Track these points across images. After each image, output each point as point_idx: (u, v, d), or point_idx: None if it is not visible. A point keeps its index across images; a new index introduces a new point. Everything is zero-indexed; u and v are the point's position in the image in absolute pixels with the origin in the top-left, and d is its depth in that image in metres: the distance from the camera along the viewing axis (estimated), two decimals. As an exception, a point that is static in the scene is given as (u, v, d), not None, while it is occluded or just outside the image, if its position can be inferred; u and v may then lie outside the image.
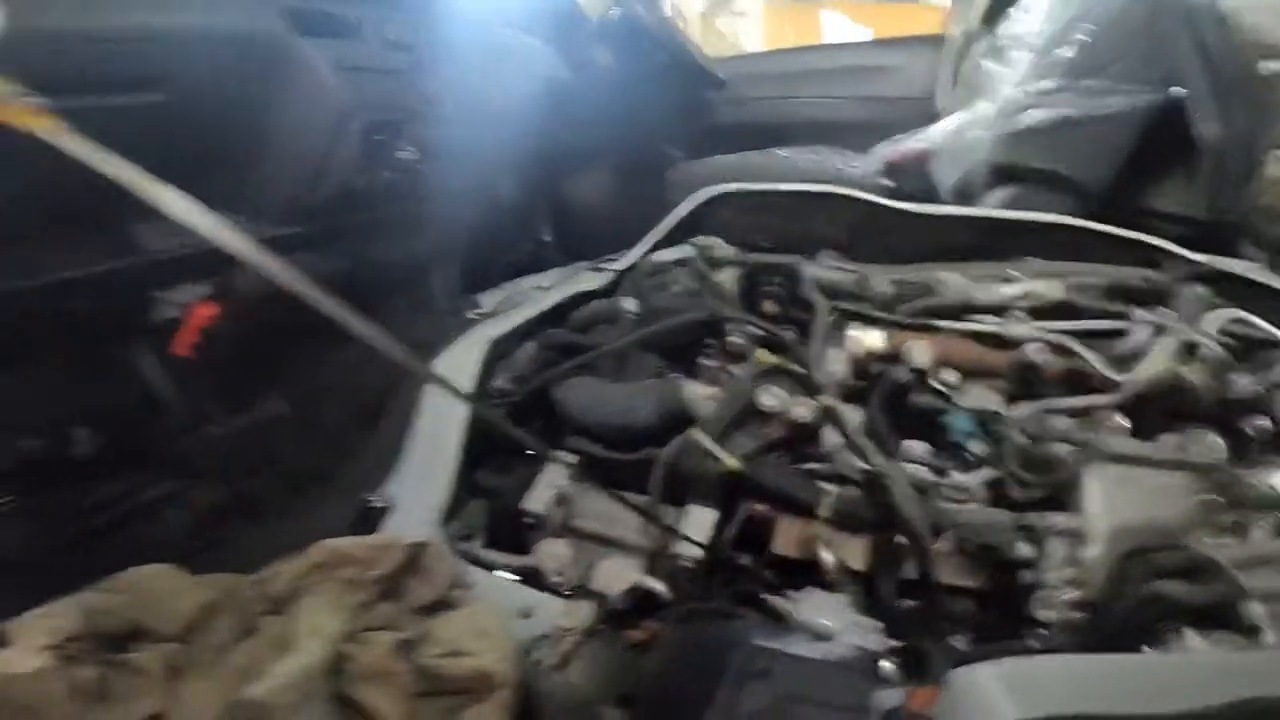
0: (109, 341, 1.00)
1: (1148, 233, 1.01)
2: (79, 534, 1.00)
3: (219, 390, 1.13)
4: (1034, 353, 0.78)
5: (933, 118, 1.79)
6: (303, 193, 1.05)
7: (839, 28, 3.41)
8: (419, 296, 1.45)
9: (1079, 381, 0.77)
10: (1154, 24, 1.28)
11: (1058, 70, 1.35)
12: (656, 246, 1.12)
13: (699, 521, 0.73)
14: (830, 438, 0.78)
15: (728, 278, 1.03)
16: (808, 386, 0.80)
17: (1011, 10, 1.50)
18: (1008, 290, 0.88)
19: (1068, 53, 1.34)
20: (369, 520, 0.71)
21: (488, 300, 1.26)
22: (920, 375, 0.80)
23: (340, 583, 0.49)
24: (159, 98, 0.82)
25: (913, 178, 1.47)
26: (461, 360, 0.86)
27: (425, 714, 0.43)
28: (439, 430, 0.78)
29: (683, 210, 1.18)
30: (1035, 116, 1.34)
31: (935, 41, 1.99)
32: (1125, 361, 0.78)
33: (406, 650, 0.45)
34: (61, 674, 0.46)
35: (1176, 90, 1.27)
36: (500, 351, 0.91)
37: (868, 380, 0.84)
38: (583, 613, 0.53)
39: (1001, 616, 0.60)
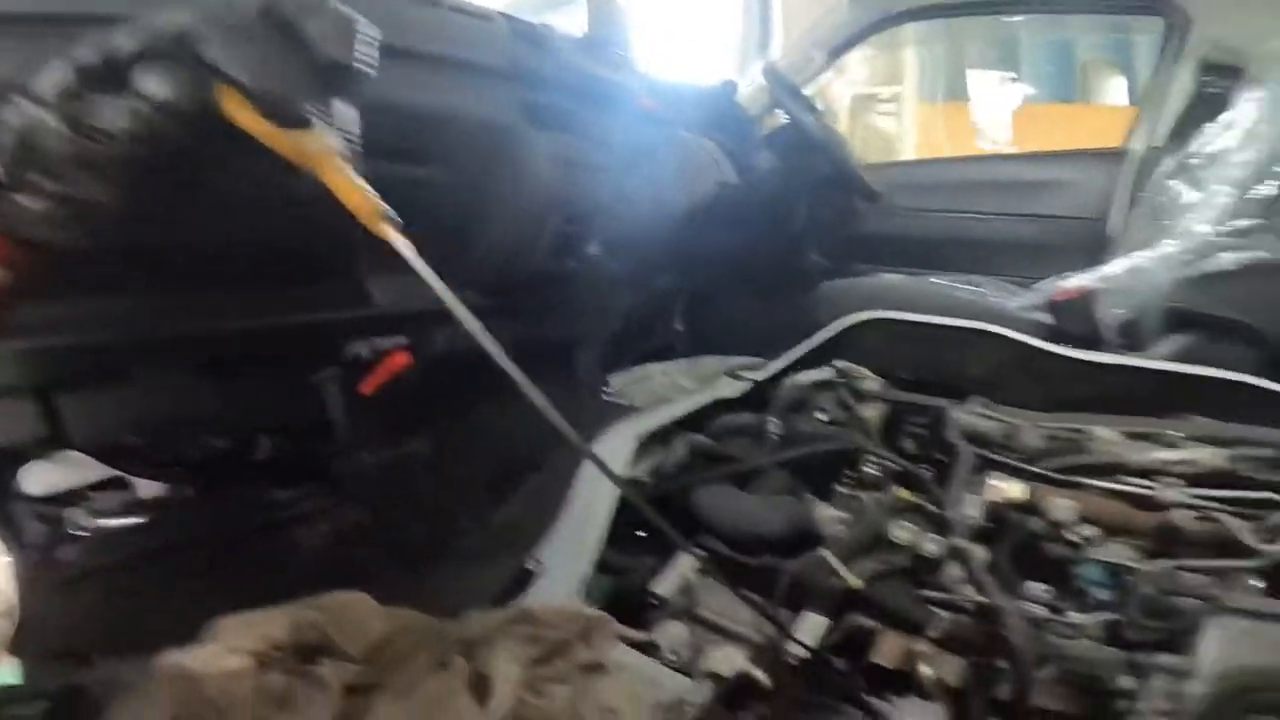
0: (308, 369, 1.15)
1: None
2: (243, 527, 1.16)
3: (381, 428, 1.28)
4: (1180, 517, 0.76)
5: (1104, 241, 1.72)
6: (505, 270, 1.18)
7: (995, 128, 3.32)
8: (565, 373, 1.56)
9: (1222, 549, 0.75)
10: None
11: (1258, 207, 1.24)
12: (800, 363, 1.18)
13: (811, 625, 0.77)
14: (952, 572, 0.79)
15: (872, 413, 1.07)
16: (939, 526, 0.82)
17: (1208, 126, 1.40)
18: (1164, 455, 0.86)
19: (1271, 189, 1.24)
20: (522, 581, 0.80)
21: (617, 380, 1.35)
22: (1057, 527, 0.80)
23: (525, 636, 0.57)
24: (424, 172, 0.95)
25: (1078, 319, 1.41)
26: (614, 447, 0.96)
27: None
28: (590, 507, 0.87)
29: (830, 331, 1.22)
30: (1227, 260, 1.24)
31: (1111, 156, 1.86)
32: (1276, 533, 0.75)
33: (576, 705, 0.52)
34: (253, 677, 0.52)
35: None
36: (646, 447, 0.99)
37: (1001, 526, 0.85)
38: (705, 689, 0.58)
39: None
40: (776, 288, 1.96)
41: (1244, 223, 1.26)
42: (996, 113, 3.22)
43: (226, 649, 0.54)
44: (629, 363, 1.67)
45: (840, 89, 3.16)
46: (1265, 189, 1.25)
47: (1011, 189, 2.01)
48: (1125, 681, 0.63)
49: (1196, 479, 0.84)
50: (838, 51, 2.12)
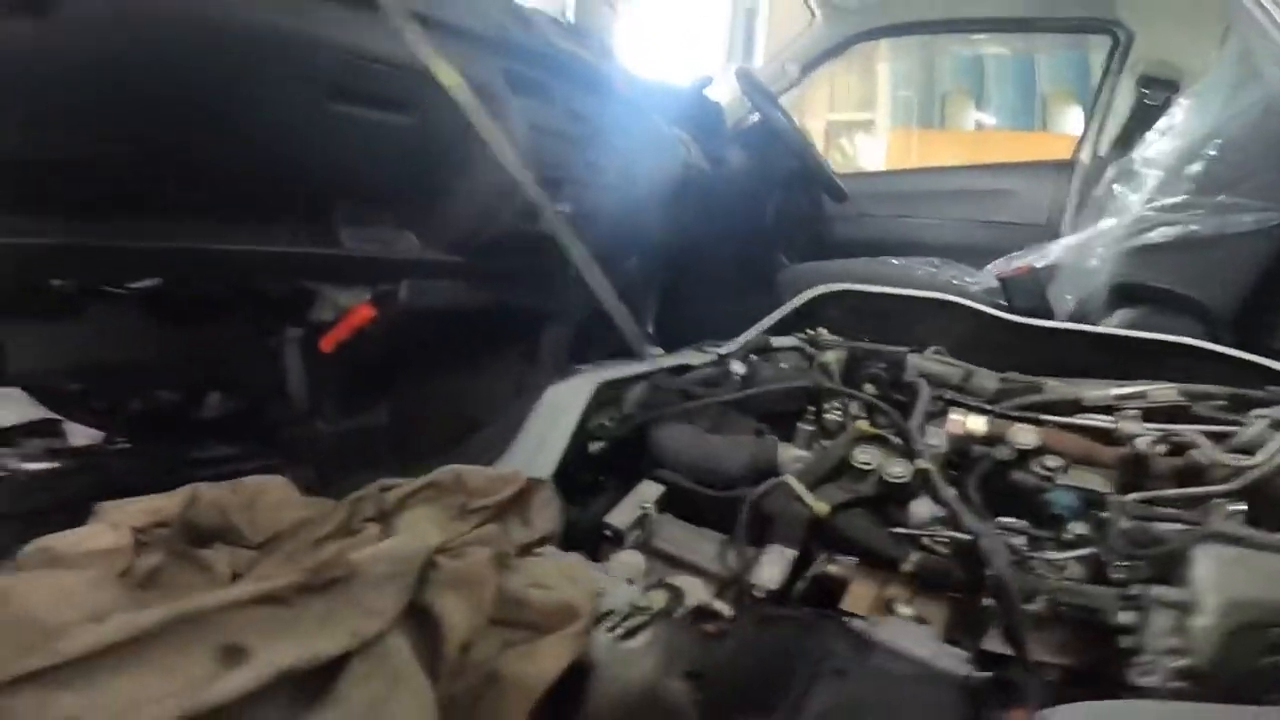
0: (266, 324, 1.12)
1: (1276, 358, 0.95)
2: (175, 483, 1.11)
3: (341, 392, 1.25)
4: (1145, 445, 0.76)
5: (1055, 244, 1.83)
6: (477, 227, 1.19)
7: (964, 154, 3.45)
8: (530, 348, 1.56)
9: (1191, 478, 0.74)
10: None
11: (1187, 186, 1.31)
12: (765, 335, 1.17)
13: (776, 558, 0.73)
14: (919, 510, 0.77)
15: (833, 358, 1.07)
16: (905, 454, 0.81)
17: (1148, 135, 1.49)
18: (1120, 390, 0.87)
19: (1198, 167, 1.30)
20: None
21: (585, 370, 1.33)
22: (1023, 456, 0.79)
23: (450, 506, 0.53)
24: (409, 120, 0.99)
25: (1027, 295, 1.46)
26: (572, 393, 0.93)
27: (490, 640, 0.45)
28: (545, 440, 0.84)
29: (794, 304, 1.23)
30: (1162, 234, 1.30)
31: (1060, 167, 2.01)
32: (1242, 454, 0.74)
33: (498, 570, 0.48)
34: (123, 556, 0.48)
35: None
36: (608, 394, 0.98)
37: (966, 460, 0.84)
38: (658, 598, 0.54)
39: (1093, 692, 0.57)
40: (740, 282, 1.98)
41: (1174, 199, 1.32)
42: (962, 138, 3.36)
43: (107, 526, 0.50)
44: (596, 356, 1.65)
45: (816, 114, 3.28)
46: (1193, 168, 1.31)
47: (969, 197, 2.14)
48: (1124, 616, 0.59)
49: (1152, 414, 0.84)
50: (810, 66, 2.21)
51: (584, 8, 1.55)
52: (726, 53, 2.65)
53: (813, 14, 2.12)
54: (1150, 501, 0.70)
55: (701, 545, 0.78)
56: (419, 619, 0.44)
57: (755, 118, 1.92)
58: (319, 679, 0.39)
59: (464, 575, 0.46)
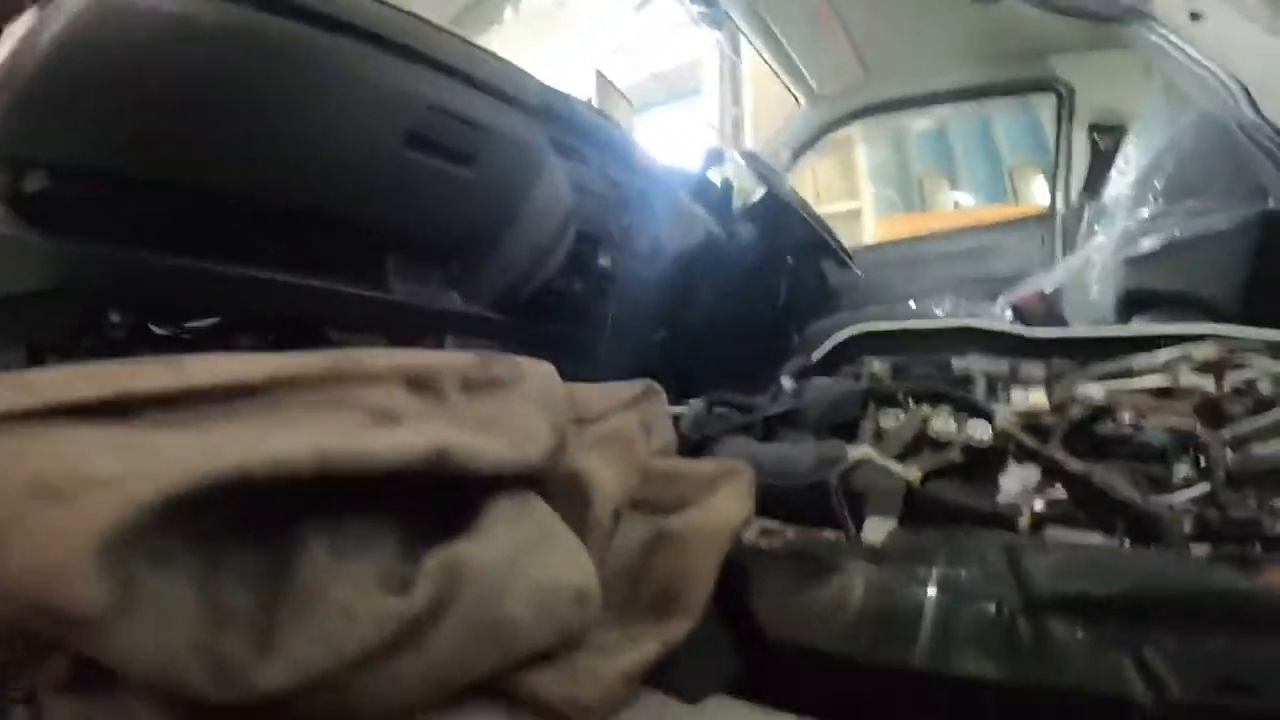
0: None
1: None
2: None
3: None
4: (1214, 388, 0.78)
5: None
6: (519, 281, 1.25)
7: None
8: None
9: (1261, 410, 0.75)
10: (1232, 145, 1.32)
11: (1157, 199, 1.41)
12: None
13: (878, 527, 0.73)
14: (1009, 484, 0.78)
15: (879, 368, 1.10)
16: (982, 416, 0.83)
17: (1111, 175, 1.62)
18: (1165, 356, 0.90)
19: (1160, 183, 1.41)
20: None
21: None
22: (1095, 414, 0.81)
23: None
24: (470, 173, 1.08)
25: (1040, 319, 1.51)
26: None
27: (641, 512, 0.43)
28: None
29: (824, 349, 1.23)
30: (1149, 243, 1.38)
31: (1041, 219, 2.21)
32: None
33: (646, 433, 0.46)
34: None
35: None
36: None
37: (1040, 431, 0.85)
38: None
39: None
40: (758, 361, 2.02)
41: (1149, 210, 1.42)
42: (945, 218, 3.59)
43: None
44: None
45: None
46: (1157, 183, 1.43)
47: (962, 257, 2.28)
48: None
49: (1199, 369, 0.87)
50: (800, 150, 2.41)
51: (604, 100, 1.71)
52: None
53: (798, 101, 2.33)
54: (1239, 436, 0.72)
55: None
56: (568, 483, 0.42)
57: (760, 195, 2.06)
58: (461, 508, 0.37)
59: (612, 433, 0.45)
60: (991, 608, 0.37)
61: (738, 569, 0.38)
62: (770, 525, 0.58)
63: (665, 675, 0.34)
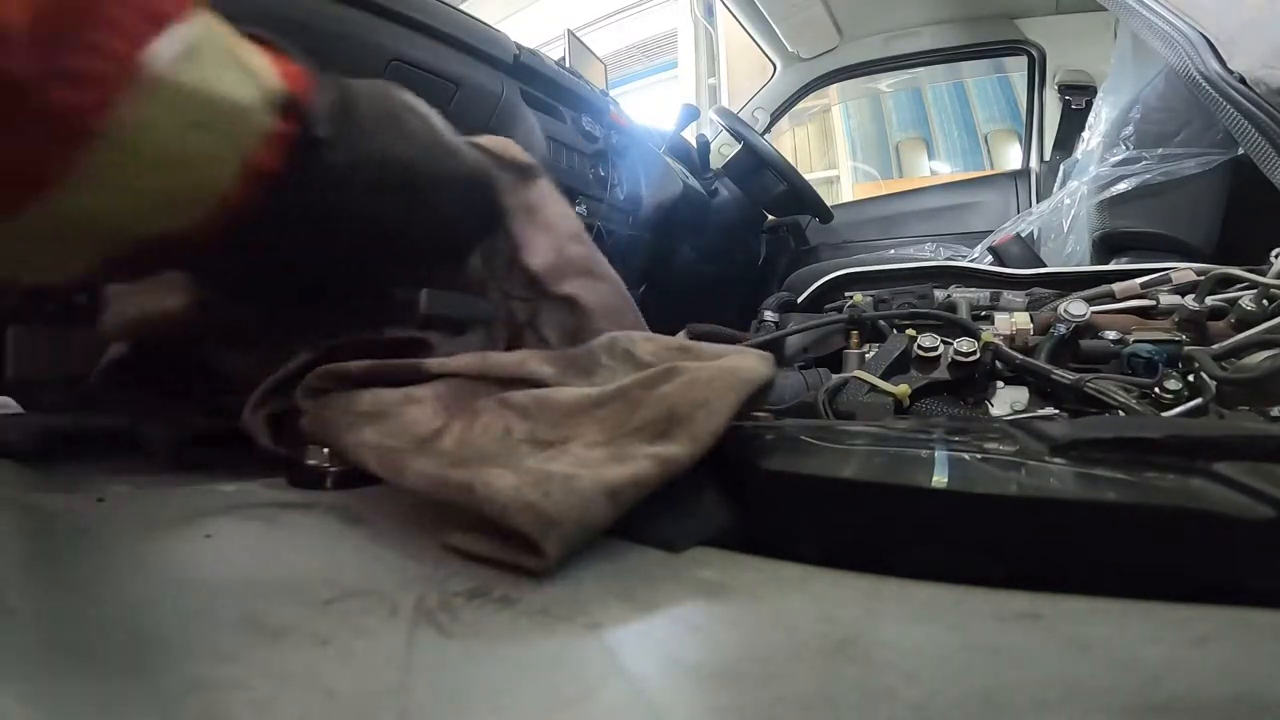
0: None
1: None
2: None
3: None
4: (1196, 304, 0.79)
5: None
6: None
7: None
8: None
9: (1244, 326, 0.76)
10: (1199, 97, 1.32)
11: (1129, 146, 1.45)
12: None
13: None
14: (998, 407, 0.78)
15: (862, 299, 1.10)
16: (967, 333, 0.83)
17: (1083, 134, 1.66)
18: (1144, 279, 0.91)
19: (1130, 131, 1.45)
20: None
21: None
22: (1079, 330, 0.81)
23: None
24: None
25: (1020, 259, 1.54)
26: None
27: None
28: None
29: (809, 293, 1.26)
30: (1123, 186, 1.42)
31: (1017, 175, 2.24)
32: None
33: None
34: None
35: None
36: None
37: (1025, 351, 0.85)
38: None
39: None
40: (737, 315, 2.02)
41: (1121, 157, 1.45)
42: (923, 184, 3.62)
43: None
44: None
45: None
46: (1127, 132, 1.47)
47: (940, 214, 2.30)
48: None
49: (1179, 290, 0.88)
50: (777, 113, 2.40)
51: (578, 61, 1.73)
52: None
53: (774, 65, 2.32)
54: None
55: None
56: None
57: (735, 148, 2.05)
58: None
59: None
60: (1013, 448, 0.35)
61: (735, 439, 0.35)
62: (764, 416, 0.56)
63: (648, 529, 0.28)
